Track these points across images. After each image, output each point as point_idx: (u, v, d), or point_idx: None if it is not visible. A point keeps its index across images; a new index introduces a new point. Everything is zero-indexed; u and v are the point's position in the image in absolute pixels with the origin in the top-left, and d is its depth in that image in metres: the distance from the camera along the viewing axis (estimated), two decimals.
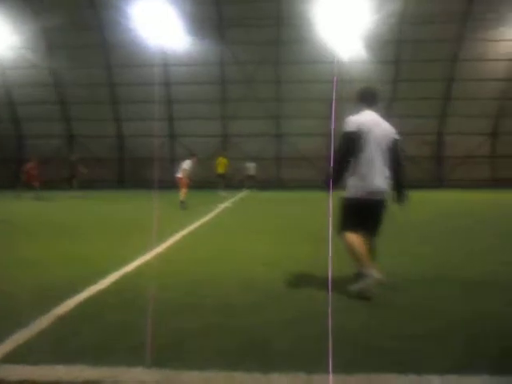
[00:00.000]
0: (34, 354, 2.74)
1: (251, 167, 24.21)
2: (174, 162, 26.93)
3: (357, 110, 4.14)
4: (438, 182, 26.60)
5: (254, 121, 26.25)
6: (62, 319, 3.37)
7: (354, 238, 3.96)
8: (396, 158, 4.11)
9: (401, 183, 4.14)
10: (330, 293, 3.82)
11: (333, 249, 4.16)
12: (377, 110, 4.17)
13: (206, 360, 2.68)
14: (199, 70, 25.33)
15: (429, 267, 5.08)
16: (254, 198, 18.28)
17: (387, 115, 20.62)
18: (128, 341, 2.96)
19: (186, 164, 13.18)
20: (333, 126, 23.72)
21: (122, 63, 25.30)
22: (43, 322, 3.29)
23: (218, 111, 26.84)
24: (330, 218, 3.91)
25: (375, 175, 3.95)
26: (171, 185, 25.43)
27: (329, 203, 3.71)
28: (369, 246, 4.10)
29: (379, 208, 4.04)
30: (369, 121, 4.03)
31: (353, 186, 3.99)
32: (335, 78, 23.70)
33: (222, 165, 20.90)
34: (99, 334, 3.07)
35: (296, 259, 5.55)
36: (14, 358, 2.70)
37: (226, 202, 14.88)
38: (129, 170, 28.00)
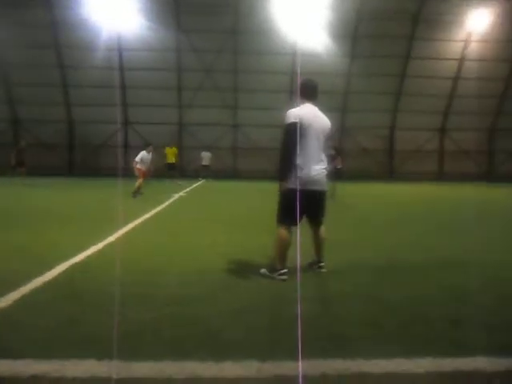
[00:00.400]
0: None
1: (206, 157, 24.05)
2: (128, 149, 26.38)
3: (297, 103, 4.32)
4: (389, 174, 27.56)
5: (210, 110, 26.04)
6: (4, 312, 3.23)
7: (285, 236, 4.21)
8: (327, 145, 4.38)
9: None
10: (298, 281, 3.87)
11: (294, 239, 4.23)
12: (316, 103, 4.38)
13: (160, 351, 2.65)
14: (155, 55, 24.76)
15: (374, 254, 5.27)
16: (209, 188, 18.19)
17: (343, 109, 21.05)
18: (77, 333, 2.87)
19: (142, 155, 13.16)
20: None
21: (73, 44, 24.22)
22: None
23: (175, 99, 26.40)
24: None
25: (312, 166, 4.16)
26: (124, 173, 25.00)
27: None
28: (316, 237, 4.42)
29: (318, 197, 4.28)
30: (308, 113, 4.24)
31: (293, 177, 4.12)
32: (298, 70, 23.85)
33: (171, 155, 20.55)
34: (46, 328, 2.97)
35: (249, 249, 5.59)
36: None
37: (180, 192, 14.72)
38: (79, 158, 27.05)
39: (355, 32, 24.53)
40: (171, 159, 20.51)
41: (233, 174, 26.28)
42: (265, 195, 14.57)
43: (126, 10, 22.39)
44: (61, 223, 7.62)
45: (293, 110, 4.23)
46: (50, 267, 4.41)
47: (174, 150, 20.84)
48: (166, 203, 11.20)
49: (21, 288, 3.74)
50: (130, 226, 7.25)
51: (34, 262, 4.74)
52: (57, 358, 2.52)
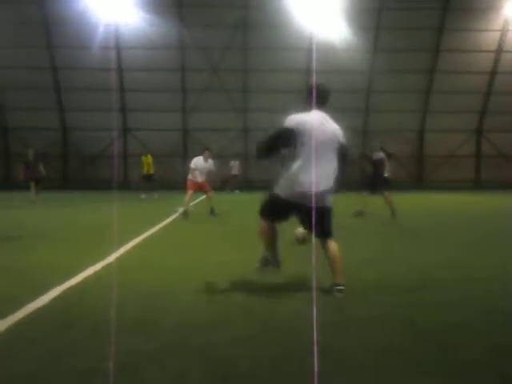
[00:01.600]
0: None
1: (235, 165, 24.11)
2: (127, 159, 26.58)
3: (305, 108, 4.38)
4: (418, 183, 27.32)
5: (218, 114, 26.07)
6: None
7: (265, 228, 4.52)
8: (340, 160, 4.39)
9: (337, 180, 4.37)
10: (314, 306, 3.84)
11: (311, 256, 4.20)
12: (326, 110, 4.41)
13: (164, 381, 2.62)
14: (156, 54, 24.94)
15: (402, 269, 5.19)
16: (218, 201, 18.18)
17: (365, 109, 20.93)
18: (73, 365, 2.86)
19: (197, 162, 12.09)
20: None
21: (66, 44, 24.58)
22: None
23: (178, 102, 26.54)
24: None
25: (309, 177, 4.13)
26: (123, 185, 25.16)
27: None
28: (326, 254, 4.42)
29: (318, 211, 4.12)
30: (313, 120, 4.27)
31: (283, 185, 4.30)
32: (314, 67, 23.89)
33: (146, 164, 20.76)
34: (38, 359, 2.96)
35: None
36: None
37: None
38: (74, 169, 27.28)
39: (378, 23, 24.54)
40: (148, 169, 20.78)
41: (244, 184, 26.06)
42: None
43: (124, 4, 22.65)
44: (54, 242, 7.66)
45: (294, 115, 4.29)
46: (43, 291, 4.42)
47: (149, 158, 21.04)
48: (170, 219, 11.22)
49: (11, 315, 3.75)
50: (131, 244, 7.27)
51: (26, 285, 4.75)
52: None
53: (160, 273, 5.40)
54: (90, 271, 5.36)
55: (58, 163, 27.13)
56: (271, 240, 4.59)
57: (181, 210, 11.86)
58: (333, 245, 4.41)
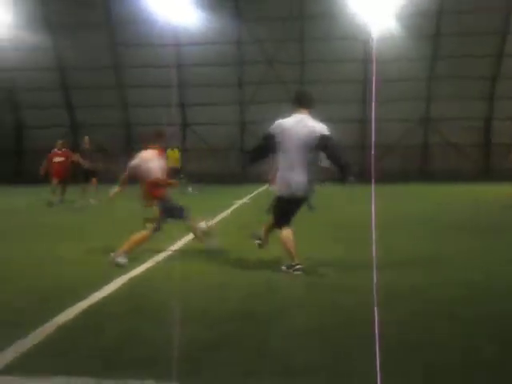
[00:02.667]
0: (34, 365, 2.85)
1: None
2: (187, 153, 27.14)
3: (290, 112, 5.10)
4: (484, 173, 26.04)
5: (275, 105, 25.98)
6: (65, 328, 3.48)
7: (289, 234, 5.04)
8: (330, 153, 4.96)
9: (343, 170, 4.99)
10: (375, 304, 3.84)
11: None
12: (311, 112, 5.12)
13: (221, 373, 2.74)
14: (214, 49, 25.21)
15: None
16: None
17: (426, 97, 19.93)
18: (135, 353, 3.04)
19: None
20: (373, 111, 23.44)
21: (129, 42, 25.39)
22: (45, 331, 3.41)
23: (235, 95, 26.70)
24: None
25: (294, 174, 4.90)
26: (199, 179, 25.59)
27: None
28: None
29: (300, 202, 5.07)
30: (291, 123, 4.97)
31: (278, 185, 5.04)
32: (374, 56, 23.32)
33: (173, 158, 19.42)
34: (104, 345, 3.17)
35: (322, 261, 5.57)
36: (14, 368, 2.82)
37: (244, 198, 14.89)
38: None
39: (440, 6, 23.50)
40: (174, 163, 19.32)
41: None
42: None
43: (181, 1, 22.98)
44: (115, 233, 8.03)
45: (278, 120, 5.06)
46: (108, 282, 4.68)
47: (176, 152, 20.18)
48: (229, 210, 11.42)
49: (80, 302, 4.01)
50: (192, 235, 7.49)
51: (93, 275, 5.05)
52: (113, 379, 2.68)
53: (219, 264, 5.56)
54: (152, 262, 5.61)
55: (121, 159, 27.98)
56: (292, 244, 5.07)
57: (239, 202, 11.51)
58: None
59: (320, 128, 4.97)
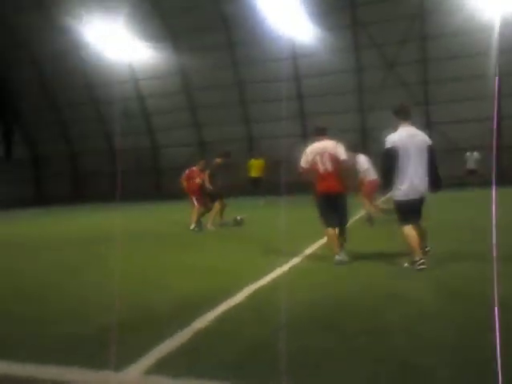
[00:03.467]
0: (173, 369, 3.08)
1: (472, 158, 21.13)
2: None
3: (395, 126, 5.85)
4: None
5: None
6: (202, 333, 3.70)
7: (411, 231, 5.68)
8: (431, 160, 5.80)
9: (434, 179, 5.83)
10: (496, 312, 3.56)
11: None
12: (412, 122, 5.90)
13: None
14: (331, 58, 25.07)
15: None
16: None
17: None
18: (266, 359, 3.13)
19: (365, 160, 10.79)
20: (496, 108, 21.59)
21: (249, 60, 26.40)
22: (183, 335, 3.66)
23: (355, 103, 26.32)
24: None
25: (414, 179, 5.64)
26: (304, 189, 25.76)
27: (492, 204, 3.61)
28: (419, 230, 5.84)
29: (421, 203, 5.85)
30: (403, 136, 5.70)
31: (399, 190, 5.69)
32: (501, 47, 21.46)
33: (255, 168, 19.52)
34: (236, 351, 3.31)
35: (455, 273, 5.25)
36: (155, 370, 3.07)
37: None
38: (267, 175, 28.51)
39: None
40: (256, 173, 19.56)
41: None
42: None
43: (298, 15, 23.31)
44: (251, 245, 8.32)
45: (390, 135, 5.73)
46: (239, 290, 4.88)
47: (261, 162, 19.89)
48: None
49: (215, 308, 4.24)
50: (315, 247, 7.52)
51: (226, 283, 5.31)
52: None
53: (345, 276, 5.52)
54: (278, 272, 5.73)
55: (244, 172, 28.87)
56: (417, 239, 5.69)
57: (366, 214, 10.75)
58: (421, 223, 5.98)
59: (427, 138, 5.86)
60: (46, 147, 33.13)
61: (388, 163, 5.70)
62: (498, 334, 2.83)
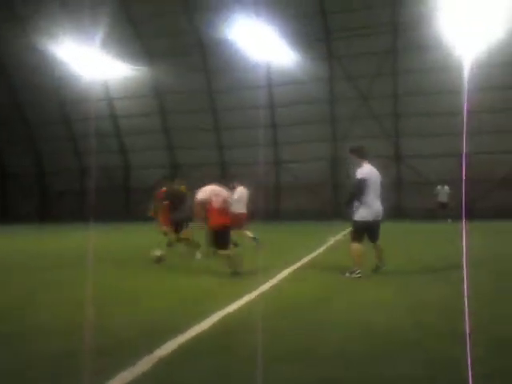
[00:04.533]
0: None
1: (443, 192, 21.83)
2: (279, 191, 27.39)
3: (358, 163, 7.26)
4: None
5: (367, 140, 25.43)
6: (165, 362, 3.52)
7: (359, 247, 7.11)
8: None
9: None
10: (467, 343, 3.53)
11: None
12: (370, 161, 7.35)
13: None
14: (305, 88, 25.49)
15: None
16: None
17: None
18: None
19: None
20: (465, 144, 22.23)
21: (224, 87, 26.65)
22: (146, 363, 3.47)
23: (327, 132, 26.66)
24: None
25: (374, 205, 7.11)
26: (272, 216, 25.85)
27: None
28: (377, 248, 7.33)
29: (378, 224, 7.29)
30: (370, 171, 7.19)
31: (362, 213, 7.02)
32: (465, 88, 22.30)
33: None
34: (196, 380, 3.15)
35: (424, 302, 5.22)
36: None
37: (337, 235, 14.60)
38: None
39: None
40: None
41: (396, 214, 24.50)
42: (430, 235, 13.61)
43: (274, 45, 23.70)
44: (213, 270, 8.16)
45: (360, 169, 7.13)
46: (206, 316, 4.71)
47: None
48: (321, 249, 11.22)
49: (176, 338, 4.06)
50: (285, 273, 7.42)
51: (192, 309, 5.13)
52: None
53: (316, 300, 5.43)
54: (247, 298, 5.59)
55: None
56: (360, 255, 7.09)
57: (332, 239, 11.30)
58: (378, 243, 7.36)
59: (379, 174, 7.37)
60: (15, 164, 32.45)
61: (359, 190, 7.00)
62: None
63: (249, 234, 11.51)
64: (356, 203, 7.03)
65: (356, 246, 7.04)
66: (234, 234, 10.04)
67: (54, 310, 5.32)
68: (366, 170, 7.12)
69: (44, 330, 4.45)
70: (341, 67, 25.07)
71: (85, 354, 3.67)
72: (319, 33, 24.63)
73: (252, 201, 11.97)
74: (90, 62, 25.99)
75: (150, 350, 3.70)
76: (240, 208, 11.05)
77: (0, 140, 32.08)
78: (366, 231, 7.10)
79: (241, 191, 11.41)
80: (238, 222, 10.67)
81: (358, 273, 6.87)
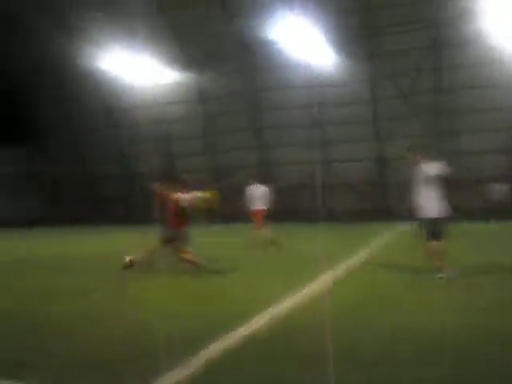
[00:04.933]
0: None
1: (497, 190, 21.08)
2: (325, 189, 27.01)
3: (419, 161, 7.17)
4: None
5: (412, 139, 24.66)
6: (211, 364, 3.60)
7: (441, 245, 6.95)
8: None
9: None
10: None
11: None
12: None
13: None
14: (348, 89, 25.11)
15: None
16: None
17: None
18: None
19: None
20: None
21: (270, 86, 26.61)
22: (191, 365, 3.56)
23: (370, 132, 26.14)
24: None
25: (445, 201, 7.08)
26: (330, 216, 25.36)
27: None
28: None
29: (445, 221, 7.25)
30: (438, 166, 7.03)
31: (438, 208, 6.99)
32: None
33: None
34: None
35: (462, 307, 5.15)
36: None
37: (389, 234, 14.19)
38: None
39: None
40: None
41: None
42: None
43: (316, 45, 23.33)
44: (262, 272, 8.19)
45: (428, 166, 7.03)
46: (250, 319, 4.75)
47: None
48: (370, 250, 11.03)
49: (219, 341, 4.11)
50: (331, 275, 7.38)
51: (232, 312, 5.19)
52: None
53: (365, 305, 5.40)
54: (294, 300, 5.59)
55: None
56: (442, 254, 7.02)
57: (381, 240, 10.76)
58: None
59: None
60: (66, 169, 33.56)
61: (436, 185, 6.91)
62: None
63: (269, 233, 11.94)
64: (430, 199, 6.82)
65: (436, 244, 6.86)
66: (254, 232, 11.44)
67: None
68: (436, 166, 6.98)
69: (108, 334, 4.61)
70: (381, 65, 24.42)
71: (138, 356, 3.76)
72: (361, 29, 24.14)
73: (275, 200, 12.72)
74: (134, 69, 26.49)
75: (196, 352, 3.77)
76: (260, 205, 12.15)
77: (51, 147, 33.10)
78: (442, 227, 6.92)
79: (262, 189, 12.50)
80: (258, 218, 11.95)
81: (451, 273, 6.72)
